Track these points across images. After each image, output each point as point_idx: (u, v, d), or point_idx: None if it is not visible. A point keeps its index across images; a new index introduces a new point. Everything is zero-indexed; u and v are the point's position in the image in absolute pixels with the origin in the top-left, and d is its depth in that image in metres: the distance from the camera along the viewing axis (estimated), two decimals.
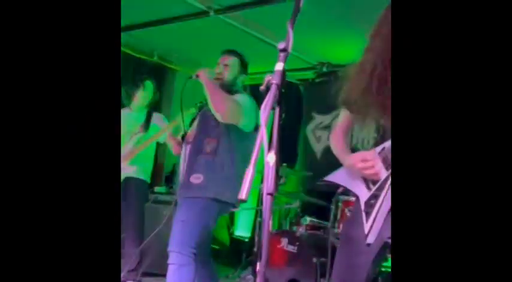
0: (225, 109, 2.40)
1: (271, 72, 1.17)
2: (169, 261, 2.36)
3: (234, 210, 5.41)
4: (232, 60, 2.63)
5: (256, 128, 2.58)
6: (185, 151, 2.59)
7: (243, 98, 2.52)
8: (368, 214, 1.64)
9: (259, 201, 4.80)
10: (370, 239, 1.61)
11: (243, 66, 2.68)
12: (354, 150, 1.79)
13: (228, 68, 2.61)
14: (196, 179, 2.45)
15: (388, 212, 1.59)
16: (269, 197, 1.08)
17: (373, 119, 1.69)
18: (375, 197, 1.63)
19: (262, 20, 3.73)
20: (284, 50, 1.17)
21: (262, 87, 1.15)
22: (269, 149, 1.07)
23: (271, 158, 1.08)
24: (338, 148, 1.81)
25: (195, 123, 2.69)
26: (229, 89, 2.56)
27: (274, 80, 1.13)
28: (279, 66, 1.16)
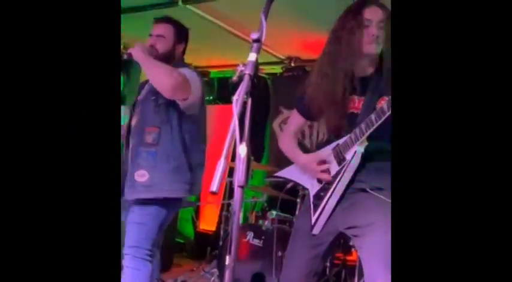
0: (169, 81, 2.06)
1: (242, 63, 1.15)
2: (124, 263, 2.19)
3: (197, 204, 5.37)
4: (165, 29, 2.31)
5: (202, 108, 2.33)
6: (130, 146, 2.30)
7: (187, 72, 2.20)
8: (316, 206, 1.70)
9: (225, 195, 4.78)
10: (316, 230, 1.69)
11: (180, 34, 2.36)
12: (302, 147, 1.87)
13: (161, 38, 2.30)
14: (141, 176, 2.19)
15: (341, 202, 1.65)
16: (240, 189, 1.07)
17: (325, 122, 1.75)
18: (325, 189, 1.69)
19: (232, 11, 3.69)
20: (257, 40, 1.15)
21: (234, 78, 1.13)
22: (240, 140, 1.05)
23: (242, 150, 1.06)
24: (290, 148, 1.87)
25: (136, 111, 2.36)
26: (166, 62, 2.21)
27: (247, 70, 1.11)
28: (252, 56, 1.14)
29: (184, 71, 2.19)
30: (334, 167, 1.66)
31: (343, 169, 1.61)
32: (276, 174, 1.99)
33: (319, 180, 1.73)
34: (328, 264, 3.24)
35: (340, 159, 1.64)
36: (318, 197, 1.70)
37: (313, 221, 1.68)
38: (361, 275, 3.21)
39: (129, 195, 2.22)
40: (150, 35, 2.33)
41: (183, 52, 2.42)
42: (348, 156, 1.61)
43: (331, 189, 1.64)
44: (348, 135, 1.62)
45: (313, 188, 1.75)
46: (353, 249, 3.43)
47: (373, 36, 1.61)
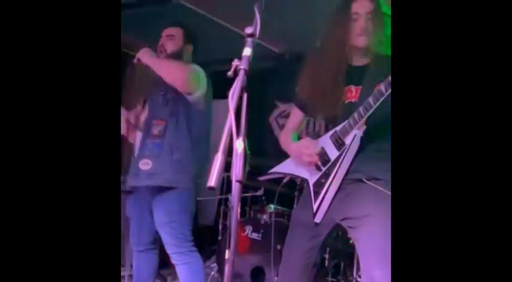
0: (181, 75, 2.21)
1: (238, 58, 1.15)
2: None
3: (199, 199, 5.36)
4: (175, 31, 2.47)
5: (208, 103, 2.41)
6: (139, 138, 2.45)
7: (195, 66, 2.34)
8: (317, 194, 1.69)
9: (222, 189, 4.78)
10: (318, 218, 1.68)
11: (188, 37, 2.50)
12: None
13: (170, 39, 2.45)
14: (145, 164, 2.28)
15: (338, 192, 1.65)
16: (238, 184, 1.07)
17: (323, 115, 1.77)
18: (325, 176, 1.68)
19: (225, 5, 3.68)
20: (252, 35, 1.16)
21: (229, 73, 1.14)
22: (237, 135, 1.06)
23: (239, 144, 1.07)
24: (286, 143, 1.89)
25: (145, 107, 2.52)
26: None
27: (242, 65, 1.12)
28: (247, 51, 1.15)
29: (193, 66, 2.31)
30: (333, 153, 1.66)
31: (344, 153, 1.61)
32: (271, 170, 1.97)
33: (318, 167, 1.71)
34: (327, 255, 3.25)
35: (340, 144, 1.64)
36: (319, 184, 1.69)
37: (314, 208, 1.66)
38: (360, 267, 3.23)
39: (132, 182, 2.33)
40: (161, 37, 2.46)
41: (192, 53, 2.53)
42: (347, 140, 1.61)
43: (332, 175, 1.63)
44: (347, 121, 1.63)
45: (312, 176, 1.74)
46: (351, 241, 3.45)
47: (362, 29, 1.64)
